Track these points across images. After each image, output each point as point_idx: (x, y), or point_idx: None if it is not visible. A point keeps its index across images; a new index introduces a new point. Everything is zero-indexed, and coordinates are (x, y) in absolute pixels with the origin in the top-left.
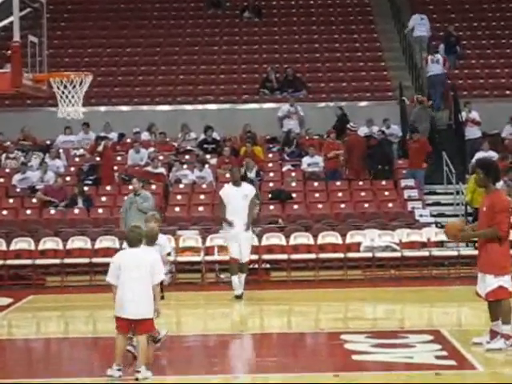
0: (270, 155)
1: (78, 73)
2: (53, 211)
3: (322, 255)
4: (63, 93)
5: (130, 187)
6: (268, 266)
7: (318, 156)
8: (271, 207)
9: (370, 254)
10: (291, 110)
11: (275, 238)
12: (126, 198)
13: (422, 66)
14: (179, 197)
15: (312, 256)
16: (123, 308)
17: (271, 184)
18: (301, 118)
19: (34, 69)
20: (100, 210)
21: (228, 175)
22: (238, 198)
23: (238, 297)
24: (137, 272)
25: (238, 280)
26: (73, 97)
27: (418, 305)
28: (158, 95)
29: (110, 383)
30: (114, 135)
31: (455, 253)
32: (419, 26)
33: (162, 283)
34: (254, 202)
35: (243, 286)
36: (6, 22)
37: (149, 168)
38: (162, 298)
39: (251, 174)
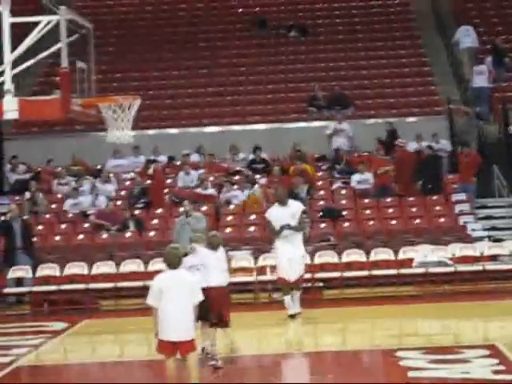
0: (320, 173)
1: (126, 97)
2: (105, 235)
3: (375, 272)
4: (112, 117)
5: (181, 209)
6: (321, 284)
7: (368, 173)
8: (322, 225)
9: (423, 270)
10: (339, 128)
11: (327, 256)
12: (176, 220)
13: (470, 79)
14: (230, 217)
15: (365, 273)
16: (166, 331)
17: (321, 202)
18: (349, 135)
19: (82, 94)
20: (152, 233)
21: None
22: (285, 218)
23: (292, 316)
24: (178, 293)
25: (290, 299)
26: (122, 121)
27: (473, 319)
28: (206, 117)
29: None
30: (163, 158)
31: (509, 266)
32: (465, 37)
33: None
34: (303, 219)
35: (299, 304)
36: (54, 48)
37: (199, 189)
38: (207, 320)
39: (301, 194)
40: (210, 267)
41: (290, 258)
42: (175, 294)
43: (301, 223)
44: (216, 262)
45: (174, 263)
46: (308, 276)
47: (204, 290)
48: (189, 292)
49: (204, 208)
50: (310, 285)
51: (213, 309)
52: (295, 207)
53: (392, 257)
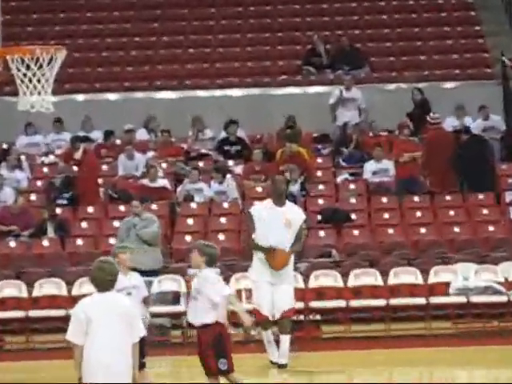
0: (320, 160)
1: (47, 47)
2: (12, 244)
3: (395, 301)
4: (25, 76)
5: (121, 208)
6: (318, 317)
7: (388, 160)
8: (321, 234)
9: (463, 299)
10: (347, 96)
11: (328, 278)
12: (121, 222)
13: None
14: (190, 221)
15: (380, 302)
16: (96, 374)
17: (321, 201)
18: (361, 106)
19: None
20: (79, 241)
21: (259, 189)
22: (277, 224)
23: (275, 363)
24: (111, 325)
25: (272, 338)
26: (39, 81)
27: None
28: (159, 77)
29: None
30: (97, 135)
31: None
32: None
33: (142, 344)
34: (302, 233)
35: (287, 353)
36: None
37: (146, 180)
38: (143, 365)
39: (294, 187)
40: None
41: (273, 283)
42: (106, 326)
43: (298, 237)
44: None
45: (104, 283)
46: (300, 306)
47: (211, 326)
48: (126, 324)
49: (154, 207)
50: (302, 318)
51: (228, 352)
52: (294, 213)
53: (420, 280)
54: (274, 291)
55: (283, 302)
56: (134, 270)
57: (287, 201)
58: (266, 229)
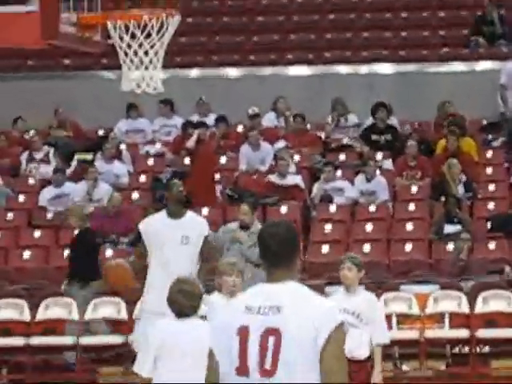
0: (488, 154)
1: (156, 11)
2: (109, 252)
3: None
4: (130, 47)
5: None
6: (487, 349)
7: None
8: (491, 245)
9: None
10: None
11: (499, 301)
12: (221, 230)
13: None
14: (329, 227)
15: None
16: None
17: (491, 205)
18: None
19: (78, 5)
20: None
21: (414, 189)
22: (172, 241)
23: None
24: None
25: None
26: (146, 54)
27: None
28: (292, 49)
29: None
30: (214, 120)
31: None
32: None
33: None
34: (211, 253)
35: None
36: None
37: (275, 177)
38: None
39: (458, 189)
40: None
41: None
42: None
43: (204, 258)
44: None
45: (187, 308)
46: (464, 335)
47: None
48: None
49: (283, 209)
50: (467, 350)
51: None
52: (194, 223)
53: None
54: None
55: None
56: None
57: (188, 211)
58: (159, 248)
